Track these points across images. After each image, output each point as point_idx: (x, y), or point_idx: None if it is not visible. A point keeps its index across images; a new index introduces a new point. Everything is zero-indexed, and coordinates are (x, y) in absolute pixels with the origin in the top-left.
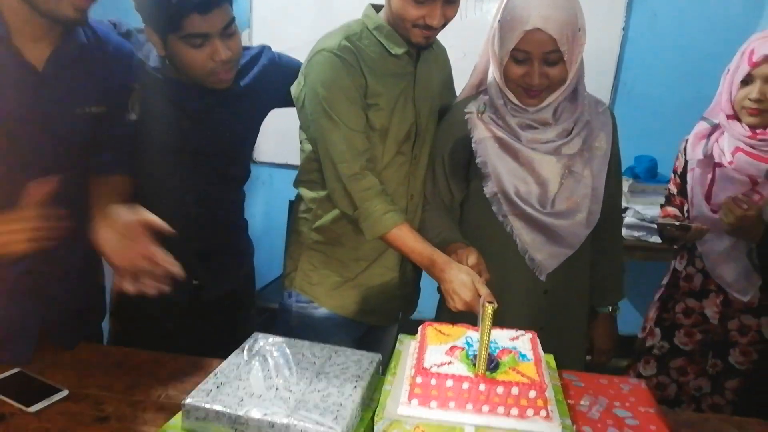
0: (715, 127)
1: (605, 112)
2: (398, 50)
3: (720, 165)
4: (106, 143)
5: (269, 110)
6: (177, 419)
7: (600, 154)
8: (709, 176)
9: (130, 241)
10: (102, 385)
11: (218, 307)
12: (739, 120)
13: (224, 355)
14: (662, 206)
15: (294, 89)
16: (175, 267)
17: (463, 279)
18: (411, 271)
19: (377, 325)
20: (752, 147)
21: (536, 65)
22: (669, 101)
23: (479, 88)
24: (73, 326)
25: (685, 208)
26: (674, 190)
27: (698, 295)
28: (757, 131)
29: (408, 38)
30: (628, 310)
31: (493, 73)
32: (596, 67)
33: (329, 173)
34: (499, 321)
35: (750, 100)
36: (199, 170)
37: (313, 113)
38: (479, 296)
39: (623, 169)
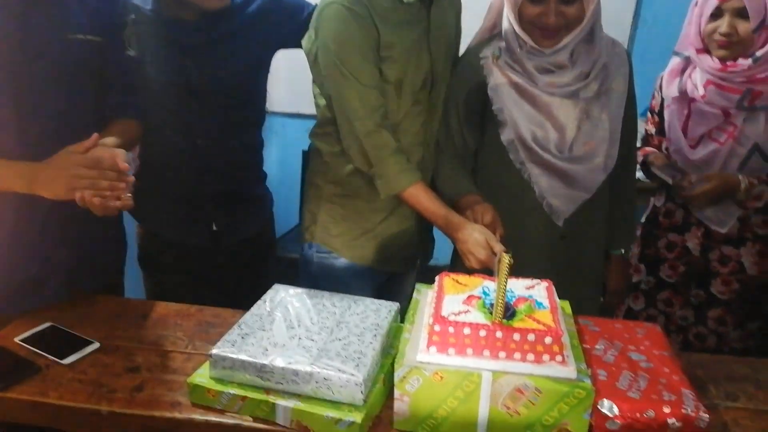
0: (688, 62)
1: (621, 53)
2: None
3: (693, 100)
4: (110, 81)
5: (273, 50)
6: (205, 368)
7: (617, 96)
8: (685, 112)
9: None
10: (131, 337)
11: (239, 255)
12: (709, 53)
13: (248, 303)
14: (639, 148)
15: (305, 43)
16: (129, 199)
17: (477, 238)
18: (426, 219)
19: (396, 273)
20: (723, 79)
21: (552, 3)
22: None
23: (493, 31)
24: (94, 273)
25: (663, 146)
26: (652, 130)
27: (680, 229)
28: (728, 63)
29: None
30: None
31: (507, 15)
32: (615, 2)
33: (344, 130)
34: (515, 266)
35: (719, 33)
36: (208, 113)
37: (326, 68)
38: (494, 254)
39: (643, 110)
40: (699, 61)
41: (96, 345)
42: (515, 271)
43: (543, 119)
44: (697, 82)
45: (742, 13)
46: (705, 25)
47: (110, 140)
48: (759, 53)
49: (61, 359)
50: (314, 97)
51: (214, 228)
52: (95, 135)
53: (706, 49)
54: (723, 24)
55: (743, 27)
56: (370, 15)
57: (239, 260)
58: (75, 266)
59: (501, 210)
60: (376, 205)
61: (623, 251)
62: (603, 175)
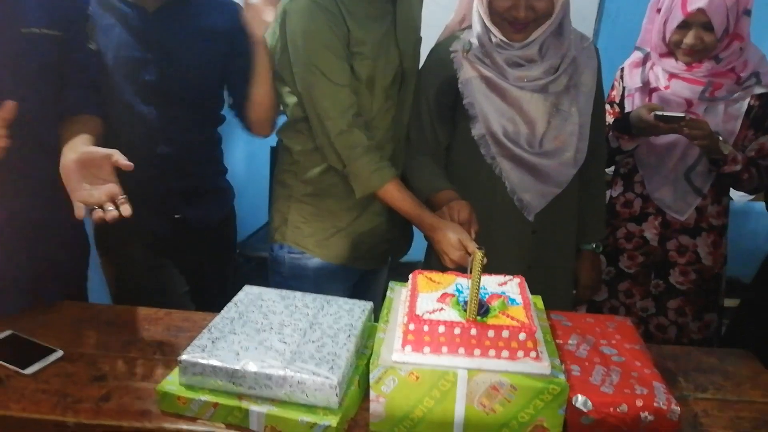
0: (648, 55)
1: (590, 47)
2: None
3: (656, 89)
4: (71, 77)
5: (217, 53)
6: (174, 375)
7: (586, 90)
8: (647, 100)
9: (93, 176)
10: (96, 344)
11: (201, 243)
12: (673, 56)
13: (211, 298)
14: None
15: (269, 38)
16: (127, 209)
17: (451, 239)
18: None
19: (369, 269)
20: (687, 73)
21: None
22: None
23: (463, 24)
24: (57, 281)
25: None
26: (611, 120)
27: (638, 219)
28: (693, 65)
29: None
30: None
31: (477, 8)
32: None
33: (316, 129)
34: (487, 262)
35: (686, 44)
36: (166, 108)
37: (296, 66)
38: (468, 254)
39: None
40: (663, 62)
41: (59, 353)
42: (488, 266)
43: (513, 113)
44: (659, 74)
45: (707, 26)
46: (671, 35)
47: (84, 138)
48: (722, 55)
49: (23, 369)
50: (281, 96)
51: (177, 216)
52: (10, 102)
53: (670, 53)
54: (689, 36)
55: (709, 37)
56: (339, 10)
57: (201, 247)
58: (38, 273)
59: (473, 205)
60: (348, 203)
61: (594, 246)
62: (573, 170)
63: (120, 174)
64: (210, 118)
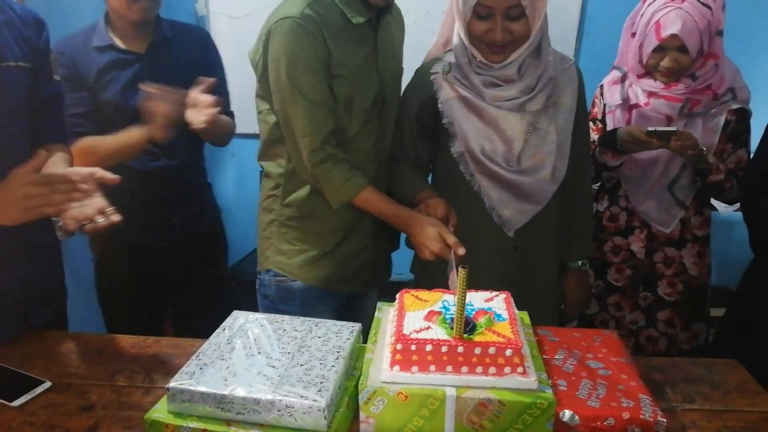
0: (626, 74)
1: (571, 69)
2: (359, 18)
3: (637, 105)
4: (41, 108)
5: (183, 81)
6: (162, 403)
7: (565, 110)
8: (627, 116)
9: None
10: (84, 374)
11: (194, 250)
12: (651, 76)
13: (201, 315)
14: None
15: (251, 55)
16: (117, 217)
17: (429, 232)
18: (384, 237)
19: (356, 293)
20: (666, 91)
21: (499, 20)
22: None
23: (446, 47)
24: (37, 307)
25: None
26: (595, 137)
27: (624, 233)
28: (670, 84)
29: (367, 1)
30: None
31: (458, 30)
32: (560, 17)
33: (291, 146)
34: (470, 277)
35: (663, 67)
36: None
37: (275, 83)
38: (448, 245)
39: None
40: (641, 83)
41: (47, 384)
42: (471, 282)
43: (491, 132)
44: (638, 92)
45: (681, 49)
46: (647, 59)
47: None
48: (698, 73)
49: (9, 401)
50: (258, 114)
51: (175, 222)
52: (43, 153)
53: (647, 74)
54: (666, 60)
55: (684, 59)
56: (322, 33)
57: (195, 254)
58: (24, 298)
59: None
60: (333, 225)
61: (580, 263)
62: (553, 187)
63: (117, 192)
64: (196, 138)
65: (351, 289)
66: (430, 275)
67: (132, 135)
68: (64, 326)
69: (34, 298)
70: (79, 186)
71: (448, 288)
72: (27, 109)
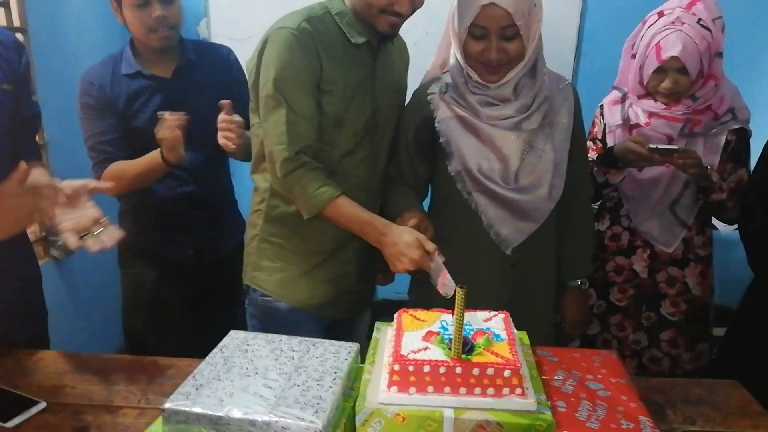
0: (626, 95)
1: (566, 88)
2: (359, 39)
3: (637, 125)
4: (20, 128)
5: (209, 101)
6: (158, 424)
7: (561, 128)
8: (628, 136)
9: (71, 206)
10: (79, 394)
11: (218, 271)
12: (651, 97)
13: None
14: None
15: (248, 63)
16: (116, 232)
17: (406, 239)
18: (369, 268)
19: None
20: (666, 112)
21: (494, 40)
22: None
23: (444, 67)
24: (17, 326)
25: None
26: (594, 156)
27: (626, 252)
28: (671, 105)
29: (374, 25)
30: None
31: (454, 51)
32: (557, 38)
33: (267, 153)
34: (467, 295)
35: (663, 88)
36: (191, 155)
37: (263, 90)
38: (428, 253)
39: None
40: (641, 103)
41: (42, 405)
42: (467, 300)
43: (487, 150)
44: (638, 112)
45: (682, 70)
46: (648, 80)
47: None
48: (698, 93)
49: (4, 422)
50: (252, 127)
51: (198, 244)
52: (24, 165)
53: (648, 94)
54: (667, 81)
55: (684, 80)
56: (316, 47)
57: (221, 272)
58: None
59: (453, 240)
60: (314, 247)
61: (580, 282)
62: (550, 205)
63: (148, 205)
64: (223, 156)
65: (332, 315)
66: (427, 296)
67: (151, 158)
68: (45, 344)
69: (13, 316)
70: (60, 189)
71: (443, 299)
72: (7, 129)
